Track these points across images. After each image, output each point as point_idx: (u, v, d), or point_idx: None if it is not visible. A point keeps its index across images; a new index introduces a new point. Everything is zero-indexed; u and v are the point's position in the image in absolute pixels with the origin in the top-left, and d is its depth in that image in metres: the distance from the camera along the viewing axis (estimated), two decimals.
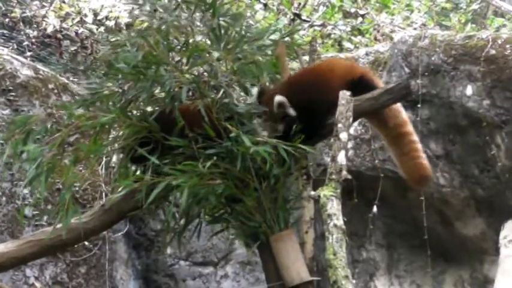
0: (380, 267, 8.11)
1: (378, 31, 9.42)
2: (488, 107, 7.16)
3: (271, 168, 5.29)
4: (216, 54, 5.41)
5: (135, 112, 5.62)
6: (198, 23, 5.56)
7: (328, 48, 9.24)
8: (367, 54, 8.00)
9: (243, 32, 5.52)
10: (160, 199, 5.47)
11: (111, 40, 5.76)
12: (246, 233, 5.53)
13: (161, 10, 5.56)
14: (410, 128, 5.55)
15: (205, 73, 5.68)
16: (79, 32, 9.04)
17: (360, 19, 9.64)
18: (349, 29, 9.52)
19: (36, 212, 7.31)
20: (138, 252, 8.18)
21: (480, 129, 7.23)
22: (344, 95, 5.08)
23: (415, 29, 9.30)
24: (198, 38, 5.58)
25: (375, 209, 7.08)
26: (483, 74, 7.17)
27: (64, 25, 9.03)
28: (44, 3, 9.20)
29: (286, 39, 5.79)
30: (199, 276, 8.19)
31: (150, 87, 5.46)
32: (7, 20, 9.00)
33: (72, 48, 9.06)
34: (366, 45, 9.08)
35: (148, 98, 5.52)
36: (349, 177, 4.94)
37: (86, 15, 9.03)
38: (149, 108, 5.62)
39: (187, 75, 5.50)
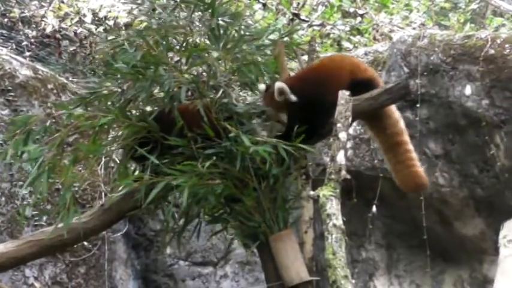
0: (379, 267, 8.10)
1: (377, 31, 9.42)
2: (487, 107, 7.16)
3: (271, 168, 5.29)
4: (215, 54, 5.41)
5: (134, 112, 5.62)
6: (197, 23, 5.57)
7: (327, 48, 9.24)
8: (366, 53, 8.00)
9: (242, 32, 5.53)
10: (159, 199, 5.47)
11: (110, 40, 5.76)
12: (245, 232, 5.53)
13: (160, 10, 5.56)
14: (406, 137, 5.59)
15: (204, 73, 5.69)
16: (78, 32, 9.04)
17: (359, 19, 9.64)
18: (348, 28, 9.52)
19: (36, 212, 7.30)
20: (138, 252, 8.17)
21: (479, 129, 7.23)
22: (343, 94, 5.08)
23: (414, 28, 9.31)
24: (197, 37, 5.58)
25: (374, 208, 7.08)
26: (482, 74, 7.16)
27: (63, 25, 9.03)
28: (42, 3, 9.20)
29: (285, 39, 5.79)
30: (199, 276, 8.18)
31: (149, 87, 5.46)
32: (6, 20, 9.00)
33: (71, 48, 9.06)
34: (365, 45, 9.08)
35: (148, 97, 5.52)
36: (348, 177, 4.94)
37: (84, 15, 9.02)
38: (148, 108, 5.62)
39: (186, 75, 5.51)
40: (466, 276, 7.90)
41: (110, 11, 9.03)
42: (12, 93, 7.54)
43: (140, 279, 8.15)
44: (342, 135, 4.97)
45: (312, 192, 5.04)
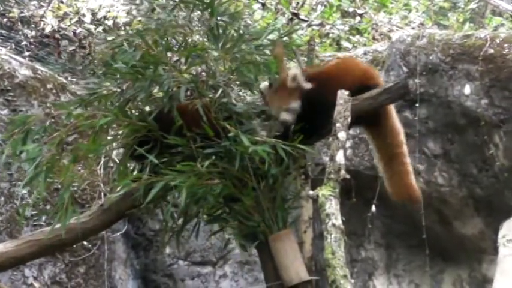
0: (378, 267, 8.11)
1: (376, 30, 9.42)
2: (487, 106, 7.16)
3: (270, 168, 5.29)
4: (214, 54, 5.41)
5: (133, 112, 5.62)
6: (196, 23, 5.56)
7: (326, 47, 9.24)
8: (365, 53, 8.00)
9: (241, 32, 5.52)
10: (158, 199, 5.47)
11: (109, 40, 5.75)
12: (245, 232, 5.53)
13: (159, 10, 5.55)
14: (405, 149, 5.61)
15: (203, 72, 5.69)
16: (77, 31, 9.04)
17: (358, 18, 9.64)
18: (347, 28, 9.52)
19: (35, 212, 7.31)
20: (137, 252, 8.17)
21: (478, 129, 7.23)
22: (342, 94, 5.08)
23: (413, 28, 9.30)
24: (196, 37, 5.58)
25: (373, 208, 7.07)
26: (481, 73, 7.17)
27: (62, 25, 9.02)
28: (42, 3, 9.20)
29: (284, 38, 5.78)
30: (198, 276, 8.18)
31: (149, 87, 5.46)
32: (5, 20, 8.99)
33: (70, 48, 9.06)
34: (364, 45, 9.08)
35: (147, 97, 5.52)
36: (348, 176, 4.94)
37: (84, 15, 9.02)
38: (148, 108, 5.62)
39: (185, 75, 5.50)
40: (465, 276, 7.91)
41: (109, 11, 9.03)
42: (11, 93, 7.54)
43: (139, 279, 8.15)
44: (341, 135, 4.98)
45: (311, 192, 5.04)
